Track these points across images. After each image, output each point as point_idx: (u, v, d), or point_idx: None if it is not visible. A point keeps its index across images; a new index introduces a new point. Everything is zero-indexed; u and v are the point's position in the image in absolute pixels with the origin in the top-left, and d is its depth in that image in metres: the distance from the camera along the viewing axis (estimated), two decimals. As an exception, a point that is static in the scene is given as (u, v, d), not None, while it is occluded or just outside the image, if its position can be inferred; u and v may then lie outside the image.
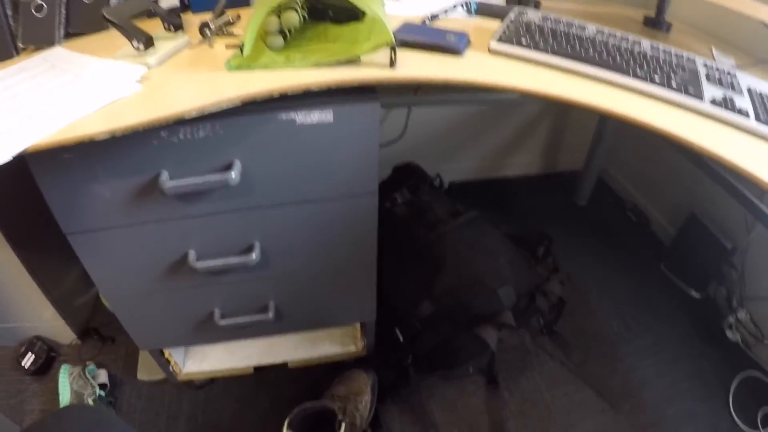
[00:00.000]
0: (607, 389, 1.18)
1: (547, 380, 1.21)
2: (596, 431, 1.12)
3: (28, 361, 1.20)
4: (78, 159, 0.70)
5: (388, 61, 0.71)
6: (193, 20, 0.88)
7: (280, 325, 0.99)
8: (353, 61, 0.72)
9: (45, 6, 0.84)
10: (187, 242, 0.83)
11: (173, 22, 0.82)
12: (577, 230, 1.63)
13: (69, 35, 0.87)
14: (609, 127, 1.55)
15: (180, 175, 0.73)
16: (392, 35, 0.68)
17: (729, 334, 1.31)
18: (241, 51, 0.71)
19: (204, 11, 0.92)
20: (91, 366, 1.19)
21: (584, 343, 1.29)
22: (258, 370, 1.14)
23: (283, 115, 0.71)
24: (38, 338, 1.24)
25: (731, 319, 1.30)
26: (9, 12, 0.83)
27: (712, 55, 0.99)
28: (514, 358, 1.25)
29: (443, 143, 1.69)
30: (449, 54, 0.78)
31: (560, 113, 1.73)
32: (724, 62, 0.95)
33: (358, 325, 1.10)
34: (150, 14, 0.89)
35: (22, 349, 1.21)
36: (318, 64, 0.71)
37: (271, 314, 0.92)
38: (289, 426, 0.93)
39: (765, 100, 0.75)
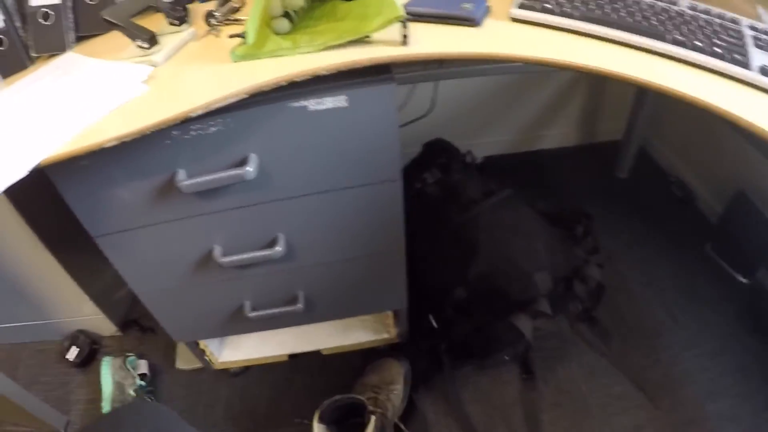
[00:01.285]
0: (646, 382, 1.12)
1: (585, 371, 1.15)
2: (633, 427, 1.05)
3: (72, 354, 1.25)
4: (95, 164, 0.69)
5: (400, 37, 0.66)
6: (200, 9, 0.85)
7: (311, 315, 0.98)
8: (363, 40, 0.67)
9: (52, 13, 0.83)
10: (212, 238, 0.82)
11: (177, 15, 0.79)
12: (617, 206, 1.54)
13: (80, 38, 0.86)
14: (650, 94, 1.44)
15: (197, 173, 0.71)
16: (401, 9, 0.63)
17: None
18: (245, 39, 0.67)
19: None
20: (132, 357, 1.22)
21: (625, 331, 1.22)
22: (292, 357, 1.14)
23: (294, 104, 0.67)
24: (81, 332, 1.29)
25: (780, 308, 1.19)
26: (18, 24, 0.83)
27: (758, 14, 0.89)
28: (551, 346, 1.20)
29: (474, 117, 1.62)
30: (466, 25, 0.72)
31: (596, 80, 1.61)
32: None
33: (390, 312, 1.08)
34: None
35: (67, 343, 1.26)
36: (326, 47, 0.67)
37: (300, 305, 0.91)
38: (320, 419, 0.92)
39: None
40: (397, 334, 1.11)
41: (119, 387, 1.16)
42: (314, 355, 1.15)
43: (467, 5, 0.72)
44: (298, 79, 0.63)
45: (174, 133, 0.69)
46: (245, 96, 0.62)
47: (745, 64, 0.64)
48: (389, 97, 0.69)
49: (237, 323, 0.97)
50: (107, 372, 1.19)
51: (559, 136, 1.74)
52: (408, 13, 0.69)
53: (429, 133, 1.37)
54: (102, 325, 1.29)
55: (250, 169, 0.69)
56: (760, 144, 1.05)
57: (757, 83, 0.63)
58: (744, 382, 1.11)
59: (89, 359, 1.26)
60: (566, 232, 1.27)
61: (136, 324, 1.32)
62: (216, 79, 0.66)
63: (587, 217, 1.33)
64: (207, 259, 0.84)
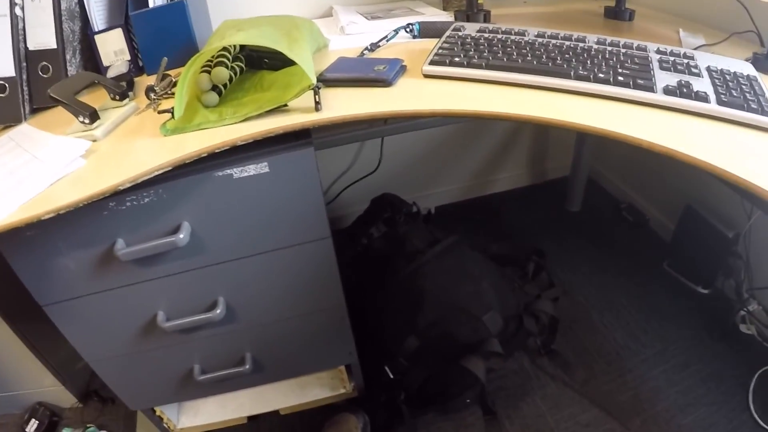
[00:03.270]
0: (615, 406, 1.13)
1: (550, 403, 1.16)
2: None
3: (32, 427, 1.21)
4: (39, 235, 0.71)
5: (313, 104, 0.70)
6: (145, 82, 0.89)
7: (261, 376, 0.98)
8: (281, 108, 0.72)
9: (7, 86, 0.87)
10: (155, 304, 0.83)
11: (117, 91, 0.84)
12: (572, 239, 1.59)
13: (35, 110, 0.90)
14: None
15: (135, 241, 0.74)
16: (314, 78, 0.68)
17: (743, 328, 1.24)
18: (173, 115, 0.71)
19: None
20: (92, 428, 1.20)
21: (588, 360, 1.24)
22: (251, 419, 1.13)
23: (219, 173, 0.71)
24: (41, 404, 1.26)
25: (743, 312, 1.23)
26: None
27: (679, 37, 0.96)
28: (513, 383, 1.20)
29: (424, 168, 1.67)
30: (380, 86, 0.76)
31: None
32: (692, 42, 0.92)
33: (343, 367, 1.08)
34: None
35: (26, 416, 1.22)
36: (247, 117, 0.71)
37: (248, 366, 0.92)
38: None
39: (727, 77, 0.70)
40: (353, 389, 1.11)
41: (78, 462, 1.14)
42: (273, 416, 1.14)
43: (380, 67, 0.78)
44: (219, 150, 0.66)
45: (111, 204, 0.72)
46: (170, 168, 0.66)
47: (649, 88, 0.68)
48: (309, 160, 0.73)
49: (189, 388, 0.96)
50: (66, 446, 1.16)
51: (509, 178, 1.80)
52: (324, 80, 0.75)
53: (380, 189, 1.42)
54: (62, 396, 1.27)
55: (182, 236, 0.72)
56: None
57: (662, 103, 0.67)
58: (716, 389, 1.13)
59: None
60: (518, 271, 1.30)
61: (96, 395, 1.29)
62: (148, 153, 0.69)
63: (538, 253, 1.38)
64: (152, 325, 0.85)
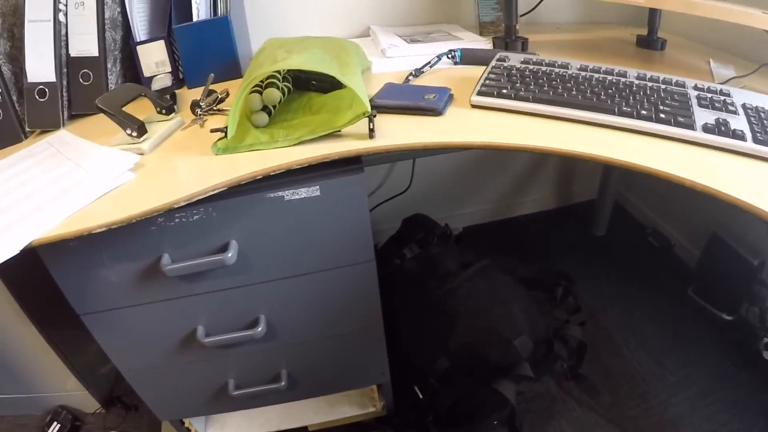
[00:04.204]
0: (639, 431, 1.12)
1: (576, 427, 1.15)
2: None
3: (53, 430, 1.22)
4: (83, 246, 0.72)
5: (367, 131, 0.71)
6: (188, 95, 0.90)
7: (295, 393, 0.98)
8: (334, 134, 0.73)
9: (47, 91, 0.88)
10: (195, 319, 0.84)
11: (164, 105, 0.84)
12: (597, 263, 1.59)
13: (72, 116, 0.91)
14: None
15: (180, 257, 0.75)
16: (368, 105, 0.69)
17: (767, 355, 1.22)
18: (225, 133, 0.72)
19: (199, 86, 0.94)
20: (115, 435, 1.20)
21: (613, 384, 1.23)
22: (279, 434, 1.13)
23: (271, 194, 0.72)
24: (63, 407, 1.26)
25: (767, 340, 1.22)
26: (15, 97, 0.87)
27: (710, 68, 0.96)
28: (539, 406, 1.20)
29: (453, 190, 1.68)
30: (430, 114, 0.77)
31: None
32: (723, 74, 0.92)
33: (374, 386, 1.08)
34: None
35: (48, 419, 1.23)
36: (300, 141, 0.72)
37: (283, 383, 0.92)
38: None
39: (762, 115, 0.71)
40: (382, 407, 1.11)
41: (100, 469, 1.14)
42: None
43: (430, 96, 0.78)
44: (274, 173, 0.67)
45: (159, 220, 0.72)
46: (225, 188, 0.66)
47: (689, 125, 0.69)
48: (359, 185, 0.74)
49: (221, 401, 0.97)
50: (89, 453, 1.16)
51: (536, 201, 1.80)
52: (375, 106, 0.75)
53: (409, 208, 1.43)
54: (85, 401, 1.27)
55: (230, 255, 0.73)
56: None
57: (702, 141, 0.68)
58: (739, 417, 1.12)
59: (71, 437, 1.24)
60: (546, 294, 1.30)
61: (120, 401, 1.30)
62: (198, 171, 0.70)
63: (566, 278, 1.37)
64: (191, 339, 0.85)
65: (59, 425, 1.22)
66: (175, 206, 0.65)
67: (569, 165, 1.75)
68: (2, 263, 0.59)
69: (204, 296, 0.81)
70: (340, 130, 0.72)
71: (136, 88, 0.84)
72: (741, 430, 1.10)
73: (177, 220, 0.73)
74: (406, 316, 1.15)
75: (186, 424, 1.06)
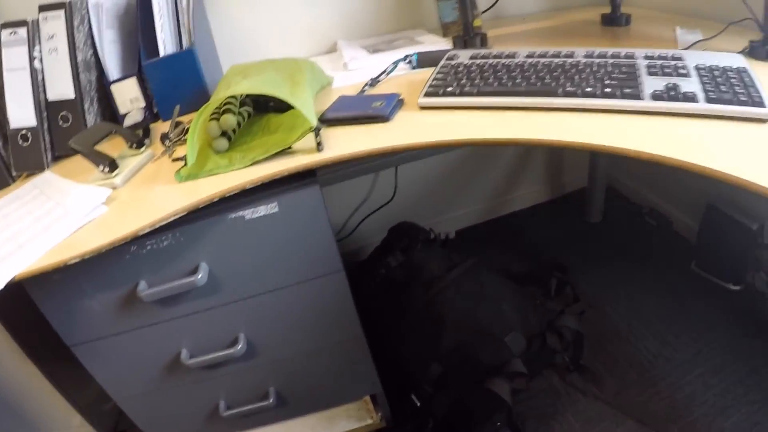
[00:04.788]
0: (650, 416, 1.09)
1: (583, 419, 1.13)
2: None
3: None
4: (66, 279, 0.75)
5: (315, 145, 0.73)
6: (163, 129, 0.93)
7: (285, 410, 0.99)
8: (286, 151, 0.75)
9: (30, 135, 0.92)
10: (178, 342, 0.86)
11: (134, 140, 0.87)
12: (595, 250, 1.57)
13: (57, 158, 0.94)
14: None
15: (156, 282, 0.77)
16: (314, 120, 0.70)
17: None
18: (186, 162, 0.74)
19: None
20: (127, 467, 1.21)
21: (618, 372, 1.21)
22: (280, 454, 1.14)
23: (232, 215, 0.74)
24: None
25: (776, 304, 1.19)
26: (0, 143, 0.91)
27: (675, 35, 0.95)
28: (543, 403, 1.18)
29: (441, 194, 1.68)
30: (379, 122, 0.78)
31: None
32: (688, 39, 0.92)
33: (368, 398, 1.09)
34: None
35: (64, 459, 1.25)
36: (255, 162, 0.74)
37: (272, 400, 0.93)
38: None
39: (716, 73, 0.70)
40: (380, 419, 1.11)
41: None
42: (302, 449, 1.14)
43: (378, 103, 0.80)
44: (230, 194, 0.69)
45: (132, 248, 0.75)
46: (185, 213, 0.68)
47: (636, 95, 0.68)
48: (315, 197, 0.76)
49: (215, 424, 0.98)
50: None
51: (527, 195, 1.79)
52: (326, 120, 0.77)
53: (398, 218, 1.43)
54: (91, 438, 1.30)
55: (200, 276, 0.75)
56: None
57: (653, 109, 0.67)
58: (757, 387, 1.08)
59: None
60: (540, 288, 1.29)
61: (126, 435, 1.32)
62: (163, 199, 0.72)
63: (560, 269, 1.36)
64: (177, 362, 0.87)
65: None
66: (141, 233, 0.67)
67: (556, 155, 1.74)
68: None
69: (183, 319, 0.83)
70: (290, 147, 0.74)
71: (107, 126, 0.87)
72: (760, 401, 1.06)
73: (148, 247, 0.75)
74: (396, 325, 1.16)
75: (188, 450, 1.07)
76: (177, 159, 0.77)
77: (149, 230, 0.68)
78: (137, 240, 0.72)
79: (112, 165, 0.81)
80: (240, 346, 0.84)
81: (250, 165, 0.74)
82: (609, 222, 1.67)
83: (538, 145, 0.68)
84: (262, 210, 0.74)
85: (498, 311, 1.08)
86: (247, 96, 0.87)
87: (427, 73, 0.88)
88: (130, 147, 0.89)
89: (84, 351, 0.84)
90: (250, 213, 0.74)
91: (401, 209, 1.49)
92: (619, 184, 1.74)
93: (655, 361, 1.21)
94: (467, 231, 1.75)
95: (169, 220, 0.68)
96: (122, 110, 1.04)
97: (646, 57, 0.78)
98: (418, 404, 1.10)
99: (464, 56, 0.88)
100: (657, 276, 1.42)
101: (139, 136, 0.89)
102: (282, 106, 0.84)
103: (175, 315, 0.82)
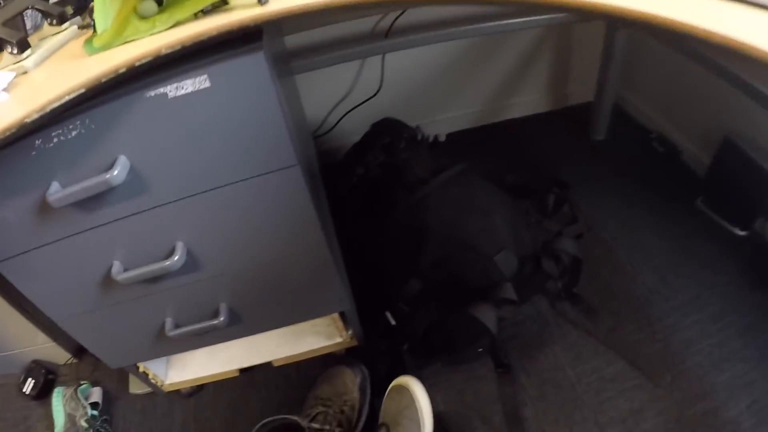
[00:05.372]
0: (643, 359, 1.00)
1: (571, 355, 1.03)
2: (631, 411, 0.94)
3: (28, 386, 1.18)
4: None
5: (258, -4, 0.55)
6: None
7: (241, 328, 0.88)
8: (221, 8, 0.57)
9: None
10: (108, 254, 0.73)
11: (54, 14, 0.70)
12: (597, 170, 1.42)
13: None
14: (618, 44, 1.31)
15: (69, 183, 0.62)
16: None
17: None
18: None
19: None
20: (85, 385, 1.15)
21: (613, 306, 1.10)
22: (244, 371, 1.05)
23: (151, 92, 0.57)
24: (36, 362, 1.22)
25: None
26: None
27: None
28: (530, 331, 1.09)
29: (432, 92, 1.50)
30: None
31: (561, 37, 1.49)
32: None
33: (337, 315, 0.98)
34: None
35: (23, 376, 1.19)
36: (180, 22, 0.57)
37: (222, 318, 0.81)
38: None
39: None
40: (351, 337, 1.01)
41: (71, 419, 1.09)
42: (267, 368, 1.06)
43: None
44: (141, 63, 0.53)
45: (37, 142, 0.60)
46: (83, 90, 0.53)
47: None
48: (259, 69, 0.58)
49: (165, 343, 0.88)
50: (59, 404, 1.11)
51: (527, 103, 1.62)
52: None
53: (382, 115, 1.26)
54: (56, 353, 1.22)
55: (115, 173, 0.60)
56: (741, 83, 0.93)
57: None
58: (754, 344, 0.99)
59: (46, 391, 1.18)
60: (536, 204, 1.16)
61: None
62: (67, 78, 0.56)
63: (560, 185, 1.23)
64: (110, 277, 0.75)
65: (33, 381, 1.18)
66: (28, 120, 0.52)
67: (563, 63, 1.55)
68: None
69: (110, 227, 0.69)
70: (227, 3, 0.57)
71: (20, 3, 0.70)
72: (756, 359, 0.96)
73: (55, 139, 0.60)
74: (372, 234, 1.03)
75: (141, 369, 0.99)
76: (83, 26, 0.60)
77: (38, 116, 0.52)
78: (41, 132, 0.59)
79: (22, 45, 0.65)
80: (177, 257, 0.70)
81: (174, 26, 0.57)
82: (613, 141, 1.51)
83: (598, 12, 0.49)
84: (189, 85, 0.57)
85: (489, 225, 0.95)
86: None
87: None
88: (50, 24, 0.72)
89: (9, 268, 0.72)
90: (174, 89, 0.57)
91: (387, 106, 1.33)
92: (628, 104, 1.56)
93: (653, 299, 1.10)
94: (458, 135, 1.59)
95: (62, 101, 0.52)
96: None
97: None
98: (393, 323, 1.00)
99: None
100: (660, 206, 1.29)
101: (60, 10, 0.71)
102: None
103: (99, 221, 0.68)
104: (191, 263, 0.74)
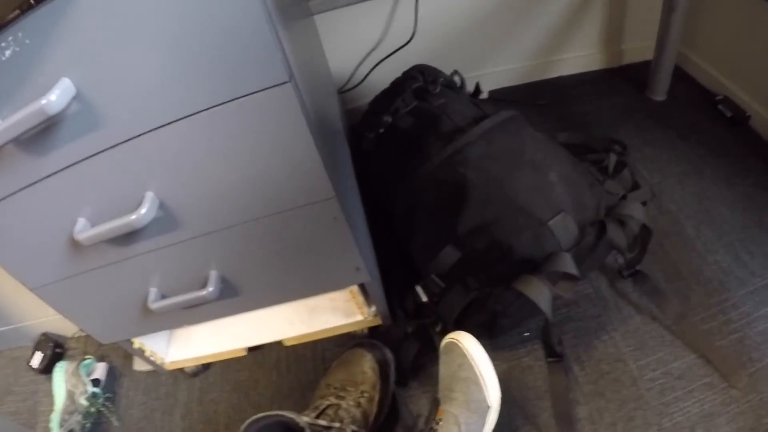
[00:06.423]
0: (716, 353, 0.81)
1: (633, 344, 0.86)
2: (702, 416, 0.76)
3: (36, 360, 1.12)
4: None
5: None
6: None
7: (239, 302, 0.74)
8: None
9: None
10: (71, 209, 0.60)
11: None
12: (657, 134, 1.20)
13: None
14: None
15: (8, 115, 0.49)
16: None
17: None
18: None
19: None
20: (89, 360, 1.07)
21: (682, 288, 0.91)
22: (253, 350, 0.93)
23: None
24: (45, 335, 1.16)
25: None
26: None
27: None
28: (586, 314, 0.91)
29: (473, 43, 1.31)
30: None
31: None
32: None
33: (356, 288, 0.82)
34: None
35: (33, 349, 1.14)
36: None
37: (212, 288, 0.67)
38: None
39: None
40: (374, 315, 0.86)
41: (70, 396, 1.00)
42: (279, 347, 0.93)
43: None
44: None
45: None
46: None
47: None
48: None
49: (154, 317, 0.75)
50: (60, 379, 1.03)
51: (578, 59, 1.40)
52: None
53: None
54: (64, 325, 1.15)
55: (53, 97, 0.46)
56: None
57: None
58: None
59: (53, 364, 1.11)
60: (594, 165, 0.97)
61: (98, 322, 1.16)
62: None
63: (620, 144, 1.03)
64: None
65: (42, 354, 1.12)
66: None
67: (618, 15, 1.32)
68: None
69: (66, 175, 0.56)
70: None
71: None
72: None
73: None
74: (400, 194, 0.87)
75: (136, 345, 0.87)
76: None
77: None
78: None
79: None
80: (145, 210, 0.56)
81: None
82: (675, 104, 1.28)
83: None
84: None
85: (542, 183, 0.77)
86: None
87: None
88: None
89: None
90: None
91: (421, 58, 1.14)
92: (690, 65, 1.33)
93: (727, 281, 0.90)
94: (503, 92, 1.40)
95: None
96: None
97: None
98: (425, 299, 0.84)
99: None
100: (731, 176, 1.08)
101: None
102: None
103: (52, 168, 0.55)
104: (166, 219, 0.60)
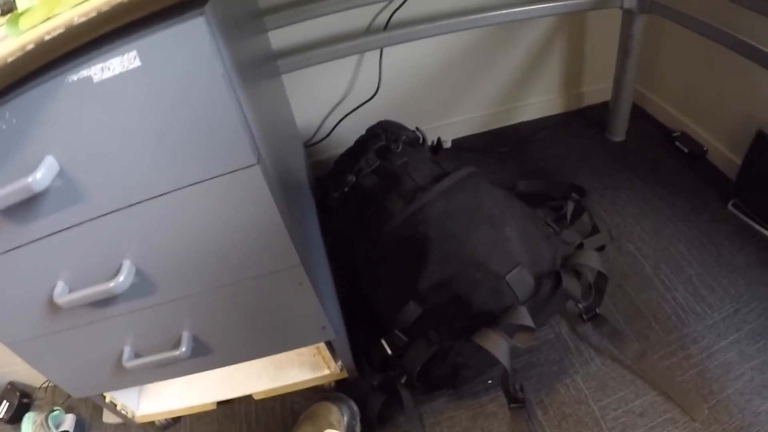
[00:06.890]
0: (676, 388, 0.86)
1: (594, 385, 0.90)
2: None
3: (2, 410, 1.09)
4: None
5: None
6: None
7: (209, 359, 0.77)
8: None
9: None
10: (51, 273, 0.62)
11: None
12: (617, 174, 1.29)
13: None
14: (635, 36, 1.17)
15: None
16: None
17: None
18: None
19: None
20: (58, 411, 1.05)
21: (642, 327, 0.97)
22: (222, 404, 0.94)
23: (74, 76, 0.47)
24: (12, 384, 1.14)
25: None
26: None
27: None
28: (547, 358, 0.95)
29: (436, 93, 1.38)
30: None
31: (573, 31, 1.36)
32: None
33: (323, 345, 0.86)
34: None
35: (-1, 398, 1.12)
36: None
37: (184, 348, 0.70)
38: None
39: None
40: (341, 369, 0.89)
41: (38, 448, 0.99)
42: (248, 401, 0.94)
43: None
44: (48, 38, 0.42)
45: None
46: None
47: None
48: (200, 39, 0.46)
49: (127, 373, 0.76)
50: (28, 431, 1.02)
51: (539, 104, 1.49)
52: None
53: (381, 119, 1.15)
54: (32, 375, 1.13)
55: (39, 175, 0.49)
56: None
57: None
58: None
59: (19, 415, 1.10)
60: (552, 213, 1.03)
61: (65, 373, 1.15)
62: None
63: (577, 190, 1.10)
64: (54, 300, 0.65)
65: (8, 404, 1.10)
66: None
67: (577, 60, 1.42)
68: None
69: (46, 242, 0.58)
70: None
71: None
72: None
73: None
74: (365, 251, 0.91)
75: (108, 399, 0.88)
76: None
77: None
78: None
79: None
80: (123, 278, 0.59)
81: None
82: (633, 143, 1.38)
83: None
84: (117, 65, 0.46)
85: (499, 238, 0.83)
86: None
87: None
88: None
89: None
90: (100, 71, 0.46)
91: (386, 111, 1.21)
92: (647, 102, 1.44)
93: (686, 317, 0.97)
94: (466, 140, 1.47)
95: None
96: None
97: None
98: (389, 352, 0.87)
99: None
100: (688, 212, 1.16)
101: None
102: None
103: (34, 236, 0.58)
104: (142, 285, 0.63)
